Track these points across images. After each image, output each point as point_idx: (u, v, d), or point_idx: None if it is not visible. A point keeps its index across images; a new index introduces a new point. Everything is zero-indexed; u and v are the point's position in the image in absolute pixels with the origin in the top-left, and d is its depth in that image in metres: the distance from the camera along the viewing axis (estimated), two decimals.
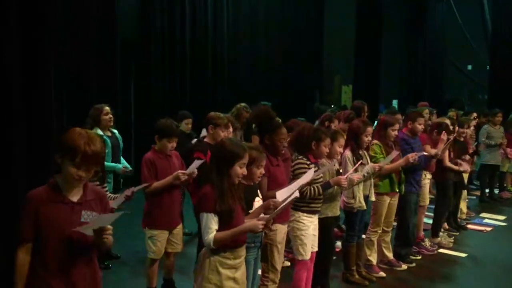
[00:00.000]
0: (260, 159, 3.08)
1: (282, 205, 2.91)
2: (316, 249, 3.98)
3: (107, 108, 4.92)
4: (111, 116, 4.93)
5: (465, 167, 5.88)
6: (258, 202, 3.15)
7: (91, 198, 2.37)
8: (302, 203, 3.77)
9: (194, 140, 5.10)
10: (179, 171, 3.86)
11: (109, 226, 2.26)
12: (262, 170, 3.10)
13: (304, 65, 12.20)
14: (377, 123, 5.10)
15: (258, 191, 3.22)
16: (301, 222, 3.82)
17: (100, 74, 6.76)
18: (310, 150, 3.82)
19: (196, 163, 3.88)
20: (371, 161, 4.58)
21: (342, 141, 4.17)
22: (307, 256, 3.84)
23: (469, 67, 14.77)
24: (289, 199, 2.94)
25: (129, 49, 8.27)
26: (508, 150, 8.31)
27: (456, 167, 5.74)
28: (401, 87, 13.48)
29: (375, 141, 4.84)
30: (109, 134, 4.95)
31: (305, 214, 3.83)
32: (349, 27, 12.83)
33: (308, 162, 3.80)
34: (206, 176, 2.86)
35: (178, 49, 9.26)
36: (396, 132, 4.84)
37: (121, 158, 5.08)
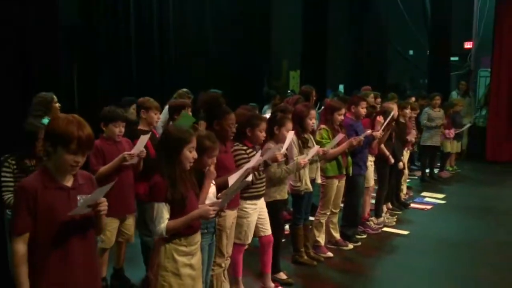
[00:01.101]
0: (213, 149, 3.09)
1: (232, 190, 2.93)
2: (268, 232, 4.04)
3: (54, 96, 4.75)
4: (59, 104, 4.75)
5: (391, 160, 5.96)
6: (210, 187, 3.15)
7: (82, 182, 2.36)
8: (243, 190, 3.77)
9: None
10: (125, 152, 3.78)
11: (103, 199, 2.29)
12: (214, 160, 3.12)
13: (252, 50, 12.17)
14: (323, 108, 5.22)
15: None
16: (243, 210, 3.85)
17: (40, 60, 6.47)
18: (245, 136, 3.86)
19: (142, 139, 3.82)
20: (317, 145, 4.68)
21: (289, 125, 4.23)
22: (245, 241, 3.90)
23: (411, 52, 15.25)
24: (238, 184, 2.95)
25: (70, 33, 7.96)
26: (446, 131, 8.73)
27: (387, 153, 5.87)
28: (347, 72, 13.76)
29: (322, 126, 4.95)
30: None
31: (247, 202, 3.86)
32: (295, 12, 12.92)
33: (245, 148, 3.83)
34: (153, 166, 2.84)
35: (123, 33, 9.00)
36: (342, 117, 4.98)
37: None
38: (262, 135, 3.89)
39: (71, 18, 8.00)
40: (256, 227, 3.98)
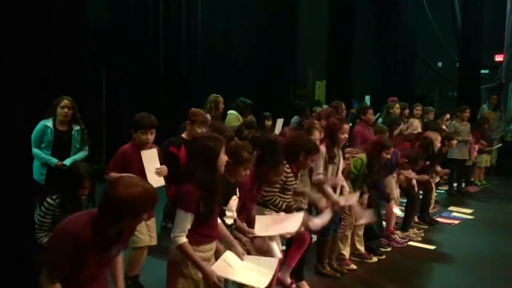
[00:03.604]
0: (249, 162, 3.18)
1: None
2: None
3: (66, 100, 4.66)
4: (67, 111, 4.64)
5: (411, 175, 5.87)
6: (234, 200, 3.18)
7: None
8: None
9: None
10: None
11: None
12: (247, 172, 3.20)
13: (278, 59, 12.17)
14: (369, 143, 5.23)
15: (237, 189, 3.21)
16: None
17: (69, 64, 6.56)
18: (297, 160, 3.81)
19: (147, 157, 3.86)
20: (347, 175, 4.62)
21: (317, 134, 4.18)
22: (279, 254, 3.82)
23: (440, 64, 14.98)
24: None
25: (100, 38, 8.08)
26: (474, 152, 8.43)
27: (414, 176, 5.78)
28: (374, 83, 13.60)
29: (361, 155, 4.79)
30: (65, 128, 4.70)
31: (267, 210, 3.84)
32: (322, 22, 12.86)
33: (289, 171, 3.79)
34: (185, 175, 2.81)
35: (151, 39, 9.11)
36: (389, 156, 4.85)
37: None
38: (311, 164, 3.91)
39: (100, 23, 8.12)
40: None
